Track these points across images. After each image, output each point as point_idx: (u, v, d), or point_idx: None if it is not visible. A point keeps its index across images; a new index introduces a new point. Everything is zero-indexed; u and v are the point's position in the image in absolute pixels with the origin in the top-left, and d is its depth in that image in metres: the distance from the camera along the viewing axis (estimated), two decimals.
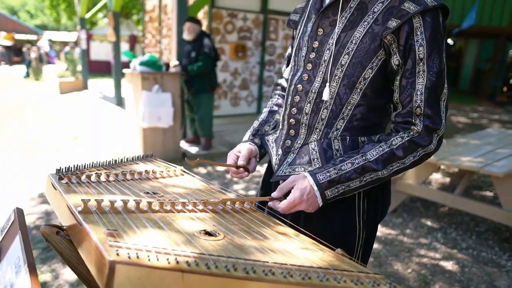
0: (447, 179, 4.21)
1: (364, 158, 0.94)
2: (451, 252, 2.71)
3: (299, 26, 1.15)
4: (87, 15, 9.58)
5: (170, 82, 4.29)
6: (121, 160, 1.22)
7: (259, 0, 6.96)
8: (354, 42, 0.96)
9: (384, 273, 2.41)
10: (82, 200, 0.75)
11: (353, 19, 0.97)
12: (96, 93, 9.56)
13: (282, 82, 1.33)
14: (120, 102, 7.68)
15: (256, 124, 1.30)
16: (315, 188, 0.94)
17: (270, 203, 0.99)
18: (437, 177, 4.28)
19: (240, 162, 1.14)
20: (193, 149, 4.85)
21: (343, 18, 0.99)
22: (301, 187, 0.94)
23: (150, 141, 4.34)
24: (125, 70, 4.53)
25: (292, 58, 1.16)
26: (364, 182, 0.95)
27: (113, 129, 5.96)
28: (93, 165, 1.12)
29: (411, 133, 0.95)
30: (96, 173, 1.01)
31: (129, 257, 0.59)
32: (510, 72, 15.71)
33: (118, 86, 7.63)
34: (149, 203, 0.83)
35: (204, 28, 6.54)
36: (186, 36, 4.39)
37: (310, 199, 0.93)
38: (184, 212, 0.86)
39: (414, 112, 0.94)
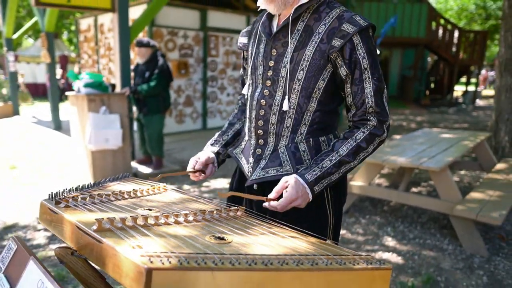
0: (389, 179, 4.57)
1: (338, 154, 1.14)
2: (401, 243, 2.97)
3: (249, 48, 1.31)
4: (14, 36, 9.04)
5: (117, 103, 4.23)
6: (102, 181, 1.25)
7: (198, 18, 7.08)
8: (306, 59, 1.16)
9: None
10: (96, 219, 0.80)
11: (302, 39, 1.17)
12: (29, 118, 8.99)
13: (242, 99, 1.49)
14: (58, 126, 7.31)
15: (216, 135, 1.46)
16: (306, 186, 1.10)
17: (266, 204, 1.11)
18: (381, 178, 4.63)
19: (197, 167, 1.33)
20: (145, 169, 4.78)
21: (293, 39, 1.17)
22: (295, 186, 1.08)
23: (100, 164, 4.22)
24: (68, 93, 4.38)
25: (248, 76, 1.31)
26: (341, 173, 1.15)
27: (55, 154, 5.67)
28: (79, 189, 1.15)
29: (368, 127, 1.16)
30: (91, 195, 1.04)
31: (162, 263, 0.65)
32: (431, 77, 17.29)
33: (55, 110, 7.27)
34: (156, 217, 0.89)
35: None
36: (139, 60, 4.41)
37: (303, 195, 1.09)
38: (187, 222, 0.93)
39: (367, 111, 1.16)
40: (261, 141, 1.26)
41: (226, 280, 0.68)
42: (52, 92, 7.19)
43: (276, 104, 1.21)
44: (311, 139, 1.22)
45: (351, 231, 3.20)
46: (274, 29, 1.23)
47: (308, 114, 1.20)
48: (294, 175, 1.11)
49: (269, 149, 1.25)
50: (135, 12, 6.03)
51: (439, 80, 16.67)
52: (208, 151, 1.39)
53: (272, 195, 1.11)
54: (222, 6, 10.21)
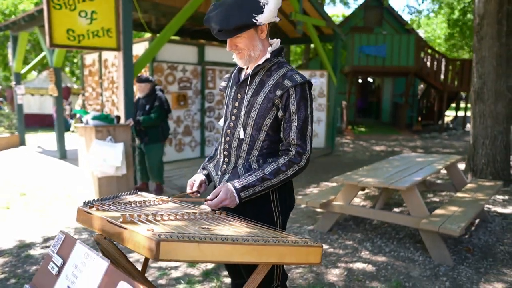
0: (370, 199, 4.93)
1: (262, 172, 1.55)
2: (377, 256, 3.31)
3: (227, 91, 1.79)
4: (23, 71, 9.60)
5: (122, 133, 4.65)
6: (119, 194, 1.64)
7: (196, 53, 7.62)
8: (258, 103, 1.61)
9: (325, 279, 2.92)
10: (122, 215, 1.18)
11: (257, 89, 1.62)
12: (35, 148, 9.41)
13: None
14: (64, 155, 7.72)
15: (205, 160, 1.89)
16: (234, 191, 1.51)
17: (205, 202, 1.54)
18: (361, 198, 4.99)
19: (194, 188, 1.72)
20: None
21: (251, 88, 1.63)
22: (226, 191, 1.51)
23: (105, 190, 4.59)
24: (77, 125, 4.81)
25: (224, 112, 1.78)
26: (264, 187, 1.55)
27: (62, 181, 6.05)
28: (101, 199, 1.53)
29: (289, 156, 1.56)
30: (113, 202, 1.43)
31: (166, 238, 1.04)
32: (421, 104, 17.88)
33: (61, 140, 7.70)
34: (161, 215, 1.27)
35: None
36: (139, 94, 4.88)
37: (231, 197, 1.51)
38: (183, 219, 1.31)
39: (291, 143, 1.57)
40: (226, 159, 1.70)
41: (207, 249, 1.06)
42: (58, 123, 7.63)
43: (237, 133, 1.65)
44: (260, 159, 1.62)
45: (333, 246, 3.54)
46: (241, 79, 1.68)
47: (259, 142, 1.62)
48: (228, 183, 1.54)
49: (230, 165, 1.68)
50: (137, 49, 6.54)
51: (430, 107, 17.22)
52: (201, 174, 1.82)
53: (210, 196, 1.53)
54: (219, 41, 10.86)
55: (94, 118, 4.45)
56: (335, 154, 9.31)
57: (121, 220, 1.17)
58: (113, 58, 7.91)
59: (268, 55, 1.60)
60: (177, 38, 9.81)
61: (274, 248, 1.12)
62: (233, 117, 1.66)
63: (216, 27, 1.48)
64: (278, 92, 1.55)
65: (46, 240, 3.71)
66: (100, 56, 8.43)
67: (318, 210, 4.34)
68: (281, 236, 1.20)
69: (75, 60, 21.01)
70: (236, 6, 1.47)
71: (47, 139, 11.50)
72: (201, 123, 7.89)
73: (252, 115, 1.60)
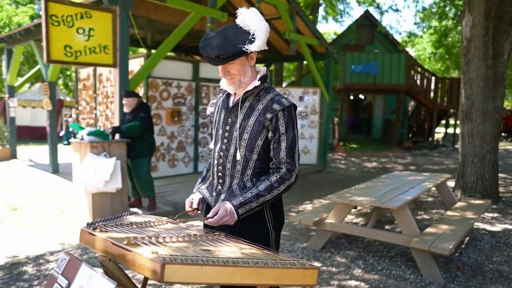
0: (363, 216, 4.99)
1: (257, 189, 1.64)
2: (370, 274, 3.36)
3: (215, 115, 1.89)
4: (16, 84, 9.60)
5: (117, 149, 4.68)
6: (121, 215, 1.67)
7: (191, 70, 7.71)
8: (249, 126, 1.70)
9: None
10: (126, 237, 1.22)
11: (248, 113, 1.71)
12: (27, 161, 9.35)
13: (210, 151, 2.03)
14: (56, 169, 7.68)
15: (199, 180, 1.97)
16: (232, 208, 1.59)
17: (205, 221, 1.61)
18: (354, 215, 5.05)
19: (194, 205, 1.80)
20: (139, 212, 5.13)
21: (242, 113, 1.73)
22: (225, 208, 1.58)
23: (99, 206, 4.59)
24: (72, 140, 4.83)
25: (214, 135, 1.88)
26: (259, 203, 1.64)
27: (54, 196, 6.01)
28: (105, 220, 1.57)
29: (280, 173, 1.67)
30: (115, 223, 1.47)
31: (171, 261, 1.08)
32: (412, 121, 18.15)
33: (54, 154, 7.68)
34: (163, 237, 1.31)
35: (141, 94, 7.07)
36: (126, 109, 4.92)
37: (230, 214, 1.59)
38: (185, 241, 1.36)
39: (281, 161, 1.67)
40: (220, 180, 1.77)
41: (210, 272, 1.11)
42: (52, 137, 7.62)
43: (230, 155, 1.73)
44: (254, 178, 1.71)
45: (326, 264, 3.57)
46: (230, 104, 1.78)
47: (252, 162, 1.71)
48: (225, 201, 1.62)
49: (225, 186, 1.75)
50: (132, 65, 6.60)
51: (420, 124, 17.49)
52: (198, 193, 1.88)
53: (209, 214, 1.60)
54: None
55: (90, 134, 4.48)
56: (327, 170, 9.40)
57: (125, 242, 1.21)
58: (108, 73, 7.97)
59: (257, 82, 1.72)
60: (172, 54, 9.92)
61: (272, 270, 1.17)
62: (225, 140, 1.75)
63: (213, 54, 1.59)
64: (268, 115, 1.66)
65: (39, 257, 3.69)
66: (95, 71, 8.48)
67: (311, 227, 4.39)
68: (279, 258, 1.25)
69: (68, 73, 21.03)
70: (230, 35, 1.62)
71: (38, 152, 11.43)
72: (194, 138, 7.94)
73: (245, 137, 1.70)
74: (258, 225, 1.70)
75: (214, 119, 1.88)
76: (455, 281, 3.23)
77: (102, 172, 4.39)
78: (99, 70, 8.32)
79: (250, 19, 1.61)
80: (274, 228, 1.75)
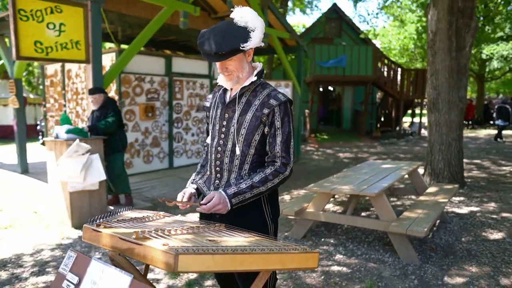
0: (340, 204, 5.17)
1: (252, 180, 1.69)
2: (350, 259, 3.51)
3: (211, 110, 1.91)
4: None
5: (94, 147, 4.60)
6: (119, 210, 1.70)
7: (163, 64, 7.63)
8: (247, 121, 1.74)
9: (305, 283, 3.07)
10: (134, 231, 1.26)
11: (245, 108, 1.75)
12: None
13: (207, 146, 2.05)
14: (25, 170, 7.43)
15: (193, 175, 2.00)
16: (226, 197, 1.65)
17: (199, 208, 1.65)
18: (332, 203, 5.22)
19: (185, 199, 1.81)
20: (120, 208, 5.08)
21: (239, 108, 1.77)
22: (219, 196, 1.64)
23: (77, 204, 4.51)
24: (46, 139, 4.70)
25: (210, 130, 1.91)
26: (253, 194, 1.69)
27: (27, 197, 5.84)
28: (105, 216, 1.59)
29: (275, 166, 1.71)
30: (117, 219, 1.50)
31: (183, 251, 1.14)
32: (380, 111, 18.71)
33: (23, 153, 7.42)
34: (169, 230, 1.36)
35: (113, 92, 6.94)
36: (93, 107, 4.86)
37: (223, 203, 1.64)
38: (190, 233, 1.41)
39: (276, 155, 1.72)
40: (218, 175, 1.81)
41: (220, 260, 1.17)
42: (20, 136, 7.36)
43: (228, 150, 1.77)
44: (251, 173, 1.76)
45: None
46: (227, 100, 1.81)
47: (249, 156, 1.76)
48: (220, 190, 1.68)
49: (224, 180, 1.79)
50: (103, 60, 6.46)
51: (388, 114, 18.05)
52: (190, 187, 1.91)
53: (203, 201, 1.65)
54: (185, 51, 10.90)
55: (69, 131, 4.38)
56: (301, 162, 9.58)
57: (134, 236, 1.25)
58: (77, 69, 7.76)
59: (254, 78, 1.75)
60: (143, 49, 9.74)
61: (278, 255, 1.25)
62: (222, 135, 1.78)
63: (212, 51, 1.61)
64: (265, 111, 1.70)
65: (18, 257, 3.61)
66: (63, 67, 8.23)
67: (292, 217, 4.51)
68: (282, 244, 1.33)
69: (31, 69, 20.21)
70: (228, 32, 1.64)
71: (4, 152, 10.99)
72: (169, 134, 7.88)
73: (242, 132, 1.73)
74: (257, 218, 1.75)
75: (210, 115, 1.90)
76: (429, 261, 3.43)
77: (74, 169, 4.32)
78: (68, 66, 8.08)
79: (247, 17, 1.65)
80: (272, 221, 1.81)
